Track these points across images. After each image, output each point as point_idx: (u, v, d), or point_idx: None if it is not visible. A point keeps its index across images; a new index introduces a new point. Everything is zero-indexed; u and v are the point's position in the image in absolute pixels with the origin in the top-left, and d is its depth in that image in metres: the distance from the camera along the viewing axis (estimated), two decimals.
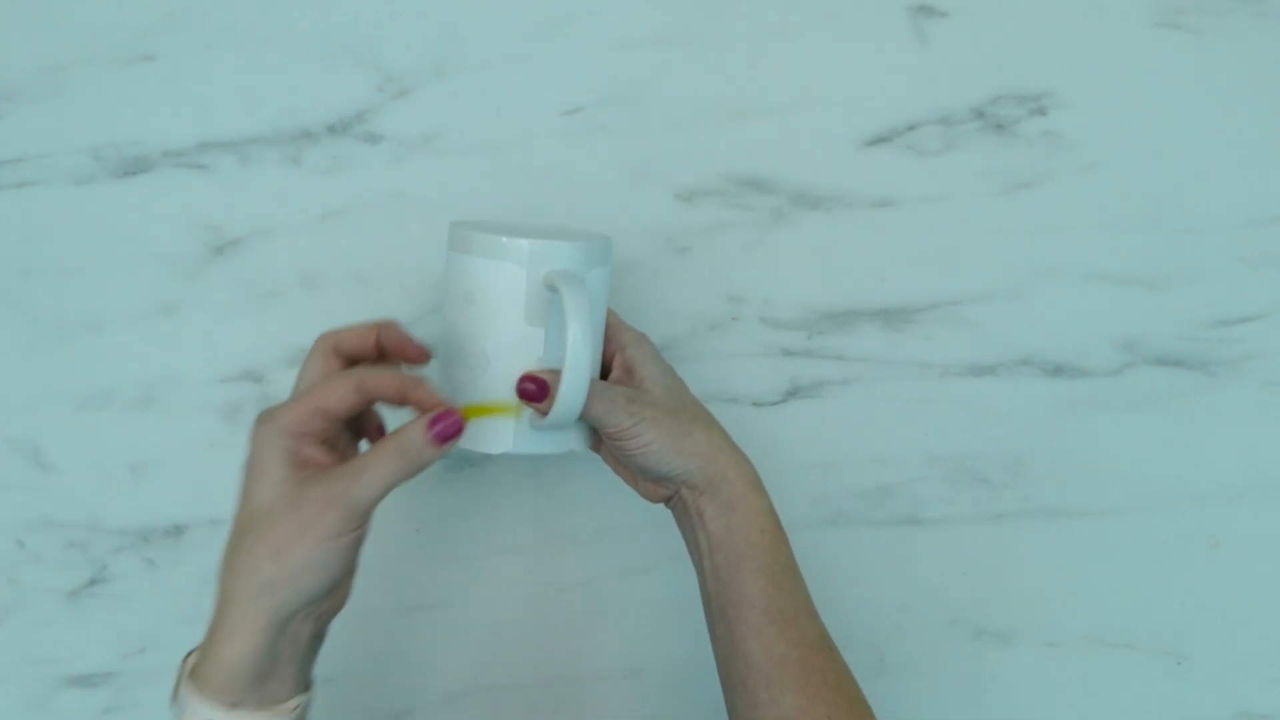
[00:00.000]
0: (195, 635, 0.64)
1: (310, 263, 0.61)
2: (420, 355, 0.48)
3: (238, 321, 0.62)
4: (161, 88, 0.60)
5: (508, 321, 0.49)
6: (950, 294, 0.63)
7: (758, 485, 0.53)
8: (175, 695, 0.46)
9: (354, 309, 0.61)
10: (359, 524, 0.43)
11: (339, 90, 0.60)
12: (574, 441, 0.53)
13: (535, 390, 0.49)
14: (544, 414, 0.49)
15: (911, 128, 0.62)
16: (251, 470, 0.45)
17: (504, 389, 0.50)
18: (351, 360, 0.48)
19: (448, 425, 0.45)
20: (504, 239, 0.49)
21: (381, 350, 0.49)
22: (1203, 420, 0.65)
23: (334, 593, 0.45)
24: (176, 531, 0.63)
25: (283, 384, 0.62)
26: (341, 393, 0.45)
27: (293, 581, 0.42)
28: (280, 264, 0.61)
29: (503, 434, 0.51)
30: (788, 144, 0.61)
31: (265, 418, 0.45)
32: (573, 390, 0.47)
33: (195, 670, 0.44)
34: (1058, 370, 0.64)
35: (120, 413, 0.62)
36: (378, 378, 0.46)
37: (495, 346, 0.50)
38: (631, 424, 0.50)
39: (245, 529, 0.44)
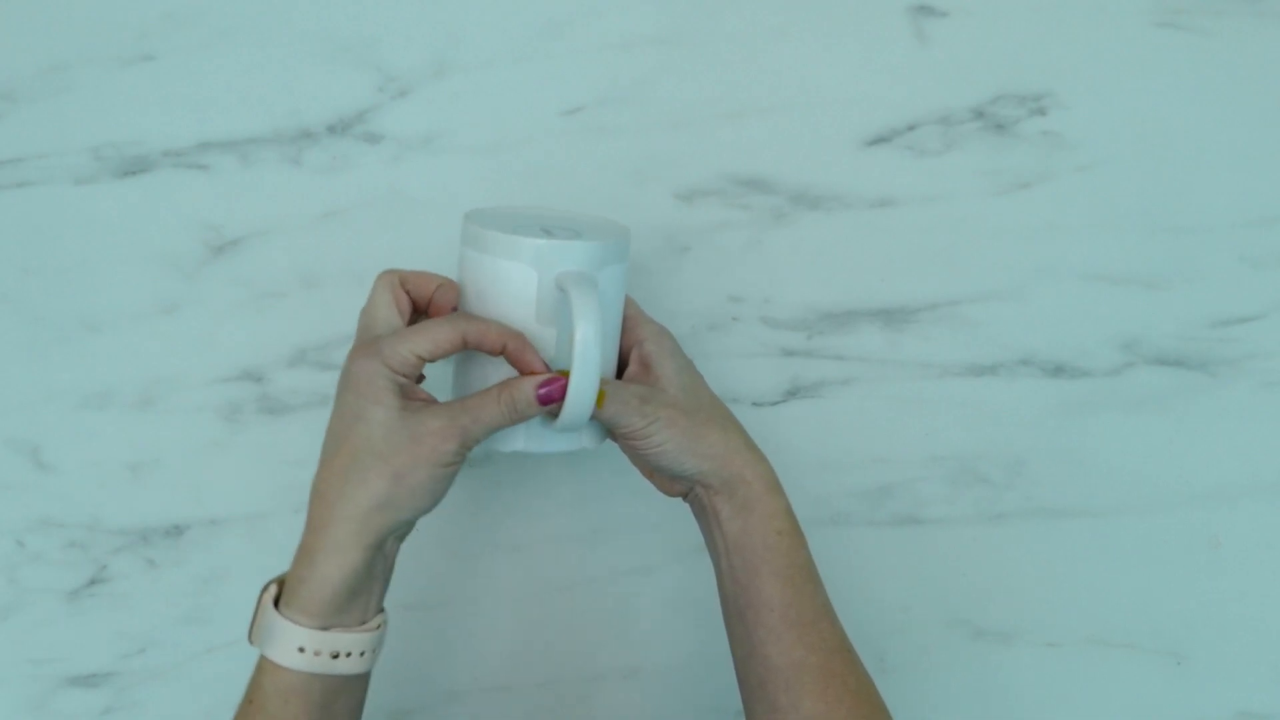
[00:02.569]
0: (195, 635, 0.64)
1: (310, 263, 0.61)
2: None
3: (238, 321, 0.62)
4: (161, 88, 0.60)
5: (519, 321, 0.49)
6: (950, 294, 0.63)
7: (775, 486, 0.52)
8: (255, 629, 0.47)
9: (354, 309, 0.61)
10: (465, 455, 0.47)
11: (339, 90, 0.60)
12: (586, 439, 0.53)
13: (555, 394, 0.49)
14: (555, 414, 0.49)
15: (911, 128, 0.62)
16: (363, 397, 0.46)
17: None
18: (410, 298, 0.50)
19: (553, 389, 0.48)
20: (516, 238, 0.48)
21: (431, 305, 0.50)
22: (1203, 420, 0.65)
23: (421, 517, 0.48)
24: (176, 531, 0.63)
25: (283, 384, 0.62)
26: (445, 340, 0.47)
27: (405, 501, 0.46)
28: (280, 264, 0.61)
29: (514, 432, 0.51)
30: (788, 144, 0.61)
31: (371, 351, 0.46)
32: (581, 395, 0.47)
33: (288, 596, 0.46)
34: (1058, 370, 0.64)
35: (120, 413, 0.62)
36: (479, 328, 0.48)
37: None
38: (644, 425, 0.50)
39: (359, 452, 0.45)
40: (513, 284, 0.49)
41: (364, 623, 0.47)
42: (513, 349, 0.48)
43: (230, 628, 0.64)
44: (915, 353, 0.64)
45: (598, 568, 0.65)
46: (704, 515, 0.53)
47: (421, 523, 0.63)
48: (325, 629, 0.45)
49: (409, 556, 0.63)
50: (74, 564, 0.63)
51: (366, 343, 0.47)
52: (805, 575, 0.51)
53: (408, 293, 0.50)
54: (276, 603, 0.47)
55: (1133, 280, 0.64)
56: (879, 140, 0.62)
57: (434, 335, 0.47)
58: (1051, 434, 0.65)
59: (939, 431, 0.64)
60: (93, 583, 0.64)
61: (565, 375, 0.47)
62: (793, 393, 0.64)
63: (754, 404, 0.64)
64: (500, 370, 0.49)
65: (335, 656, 0.45)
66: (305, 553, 0.46)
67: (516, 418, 0.48)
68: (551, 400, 0.48)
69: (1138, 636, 0.67)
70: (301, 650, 0.45)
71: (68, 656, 0.64)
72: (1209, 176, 0.63)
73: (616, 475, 0.64)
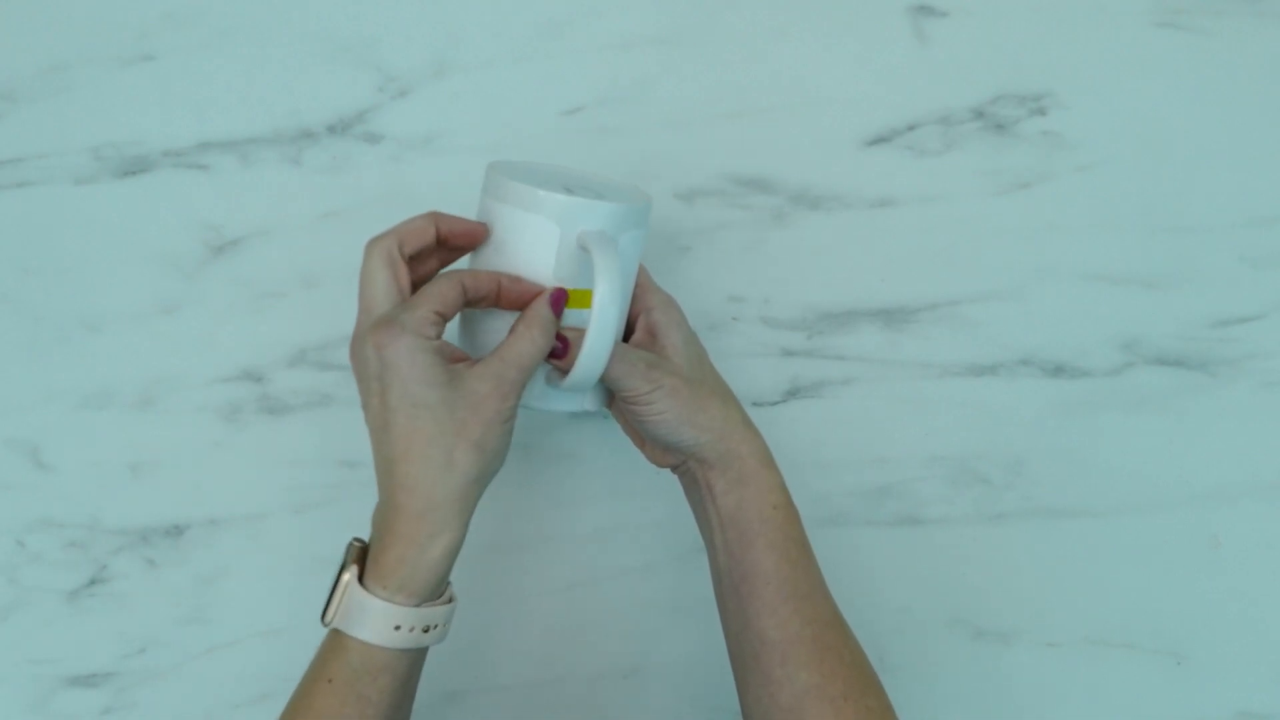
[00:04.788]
0: (195, 635, 0.64)
1: (310, 263, 0.61)
2: (481, 230, 0.50)
3: (238, 321, 0.62)
4: (161, 88, 0.60)
5: (536, 275, 0.49)
6: (950, 294, 0.63)
7: (769, 461, 0.52)
8: (337, 612, 0.47)
9: (354, 309, 0.61)
10: (519, 401, 0.48)
11: (339, 90, 0.60)
12: (589, 401, 0.53)
13: (559, 348, 0.49)
14: (564, 372, 0.49)
15: (911, 128, 0.62)
16: (412, 380, 0.45)
17: None
18: (413, 259, 0.49)
19: (560, 298, 0.48)
20: (541, 192, 0.48)
21: (440, 238, 0.49)
22: (1203, 420, 0.65)
23: None
24: (176, 531, 0.63)
25: (283, 384, 0.62)
26: (453, 296, 0.47)
27: (491, 466, 0.47)
28: (280, 264, 0.61)
29: None
30: (788, 144, 0.61)
31: (396, 329, 0.45)
32: (595, 353, 0.47)
33: (384, 579, 0.46)
34: (1058, 370, 0.64)
35: (120, 413, 0.62)
36: (476, 279, 0.48)
37: None
38: (648, 390, 0.50)
39: (434, 436, 0.45)
40: (534, 238, 0.48)
41: (444, 593, 0.48)
42: (506, 284, 0.48)
43: (230, 628, 0.64)
44: (915, 353, 0.64)
45: (598, 568, 0.65)
46: (696, 490, 0.53)
47: None
48: (419, 605, 0.46)
49: None
50: (74, 564, 0.63)
51: (381, 321, 0.46)
52: (800, 549, 0.52)
53: (407, 256, 0.49)
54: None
55: (1133, 280, 0.64)
56: (879, 140, 0.62)
57: (442, 294, 0.47)
58: (1051, 434, 0.65)
59: (939, 431, 0.64)
60: (93, 583, 0.64)
61: (563, 290, 0.48)
62: (793, 393, 0.64)
63: (754, 404, 0.64)
64: (504, 320, 0.49)
65: (426, 630, 0.47)
66: (405, 540, 0.46)
67: (547, 342, 0.48)
68: (561, 306, 0.48)
69: (1137, 636, 0.67)
70: (398, 628, 0.46)
71: (68, 656, 0.64)
72: (1209, 176, 0.63)
73: (616, 475, 0.64)
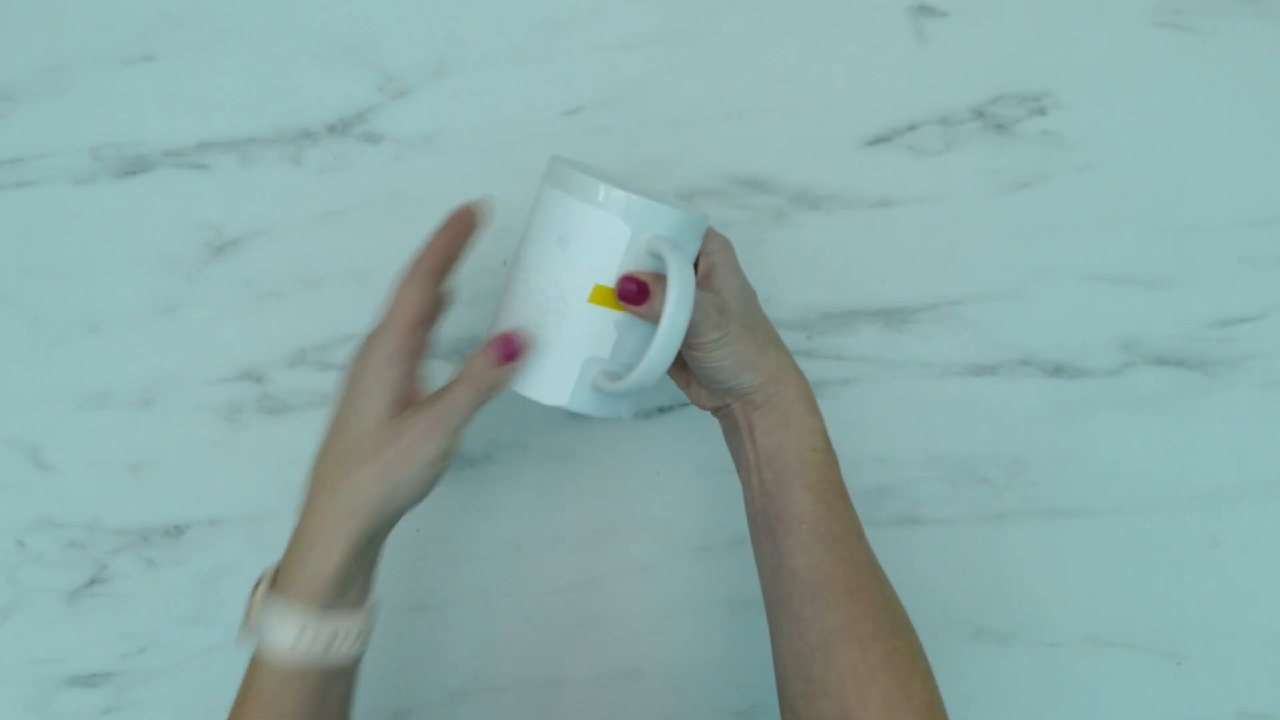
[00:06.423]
0: (195, 635, 0.64)
1: (310, 263, 0.61)
2: (478, 211, 0.50)
3: (238, 321, 0.62)
4: (161, 88, 0.60)
5: (600, 273, 0.48)
6: (950, 294, 0.63)
7: (814, 407, 0.53)
8: (249, 623, 0.47)
9: (354, 309, 0.61)
10: (452, 446, 0.47)
11: (339, 90, 0.60)
12: (624, 409, 0.52)
13: (636, 292, 0.48)
14: (648, 317, 0.48)
15: (911, 128, 0.62)
16: (357, 394, 0.47)
17: (580, 338, 0.49)
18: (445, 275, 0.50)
19: (509, 347, 0.48)
20: (615, 189, 0.47)
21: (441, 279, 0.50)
22: (1203, 420, 0.65)
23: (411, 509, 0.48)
24: (176, 531, 0.63)
25: (283, 384, 0.62)
26: (417, 296, 0.48)
27: (391, 499, 0.46)
28: (280, 264, 0.61)
29: (560, 387, 0.50)
30: (788, 144, 0.61)
31: (369, 346, 0.47)
32: (656, 362, 0.46)
33: (284, 580, 0.47)
34: (1058, 370, 0.64)
35: (120, 413, 0.62)
36: (433, 259, 0.49)
37: (579, 295, 0.48)
38: (718, 336, 0.50)
39: (346, 451, 0.47)
40: (601, 235, 0.48)
41: (358, 606, 0.48)
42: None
43: (230, 628, 0.64)
44: (915, 353, 0.64)
45: (598, 568, 0.65)
46: (735, 430, 0.53)
47: (422, 523, 0.64)
48: (325, 609, 0.46)
49: (409, 557, 0.64)
50: (74, 564, 0.63)
51: (369, 337, 0.48)
52: (837, 493, 0.52)
53: (440, 275, 0.49)
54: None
55: (1133, 280, 0.63)
56: (879, 140, 0.62)
57: (407, 301, 0.47)
58: (1051, 434, 0.65)
59: (939, 431, 0.64)
60: (93, 583, 0.64)
61: (514, 333, 0.47)
62: None
63: None
64: (558, 315, 0.48)
65: (333, 638, 0.46)
66: (301, 545, 0.47)
67: (486, 391, 0.47)
68: (510, 357, 0.48)
69: (1137, 636, 0.67)
70: (300, 634, 0.46)
71: (68, 656, 0.64)
72: (1209, 176, 0.63)
73: (616, 475, 0.64)
